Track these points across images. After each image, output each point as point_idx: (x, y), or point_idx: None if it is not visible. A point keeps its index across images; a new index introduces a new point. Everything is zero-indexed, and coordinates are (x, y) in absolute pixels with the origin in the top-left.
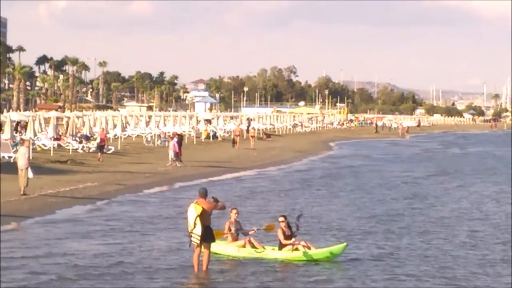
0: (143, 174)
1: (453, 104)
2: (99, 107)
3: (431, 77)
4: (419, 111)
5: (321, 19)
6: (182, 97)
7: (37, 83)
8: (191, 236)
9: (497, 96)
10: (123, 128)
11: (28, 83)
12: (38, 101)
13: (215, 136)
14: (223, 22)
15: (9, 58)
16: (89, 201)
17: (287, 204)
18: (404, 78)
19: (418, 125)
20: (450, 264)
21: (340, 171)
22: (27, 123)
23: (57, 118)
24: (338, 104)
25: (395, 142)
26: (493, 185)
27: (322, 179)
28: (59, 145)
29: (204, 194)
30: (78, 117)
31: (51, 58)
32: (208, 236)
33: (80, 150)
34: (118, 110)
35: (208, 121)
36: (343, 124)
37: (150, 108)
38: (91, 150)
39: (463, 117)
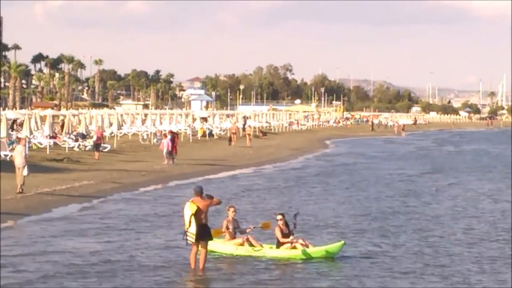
0: (139, 172)
1: (449, 102)
2: (95, 105)
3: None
4: (415, 109)
5: (317, 17)
6: (178, 95)
7: (33, 81)
8: (186, 234)
9: (493, 94)
10: (119, 126)
11: (23, 81)
12: (34, 99)
13: (211, 134)
14: (219, 21)
15: (5, 56)
16: (85, 199)
17: (283, 202)
18: (400, 76)
19: (414, 123)
20: (447, 262)
21: (335, 169)
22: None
23: (53, 117)
24: (334, 102)
25: (390, 140)
26: (487, 183)
27: (317, 177)
28: (55, 143)
29: (199, 192)
30: (74, 115)
31: (47, 56)
32: (204, 235)
33: (76, 149)
34: (114, 108)
35: (204, 119)
36: (339, 122)
37: (146, 106)
38: (87, 149)
39: (459, 115)
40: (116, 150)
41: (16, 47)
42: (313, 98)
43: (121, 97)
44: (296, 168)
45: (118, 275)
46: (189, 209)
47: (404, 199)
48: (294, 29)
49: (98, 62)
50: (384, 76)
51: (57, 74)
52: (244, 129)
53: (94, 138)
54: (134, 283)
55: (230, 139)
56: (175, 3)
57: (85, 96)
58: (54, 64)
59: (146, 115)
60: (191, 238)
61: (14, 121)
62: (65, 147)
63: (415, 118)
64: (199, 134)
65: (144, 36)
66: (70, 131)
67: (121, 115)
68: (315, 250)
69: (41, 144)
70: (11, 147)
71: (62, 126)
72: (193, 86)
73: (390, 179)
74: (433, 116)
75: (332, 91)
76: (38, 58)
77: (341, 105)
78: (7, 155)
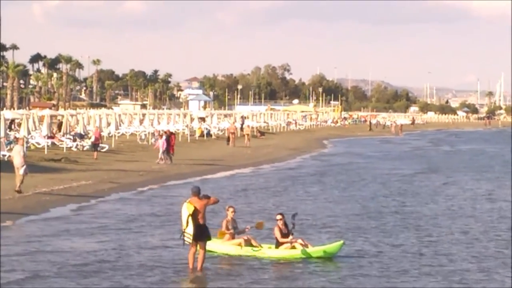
0: (137, 172)
1: (447, 101)
2: (93, 105)
3: (425, 75)
4: (413, 108)
5: (315, 17)
6: (176, 95)
7: (31, 82)
8: (184, 235)
9: (491, 94)
10: (117, 126)
11: (21, 81)
12: (32, 99)
13: (209, 134)
14: (217, 20)
15: (3, 57)
16: (83, 199)
17: (280, 202)
18: (398, 76)
19: (412, 123)
20: (444, 262)
21: (332, 168)
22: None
23: (51, 117)
24: (332, 102)
25: (388, 140)
26: (483, 182)
27: (314, 177)
28: (53, 143)
29: (196, 192)
30: (72, 116)
31: (45, 56)
32: (201, 235)
33: (74, 149)
34: (112, 108)
35: (202, 119)
36: (337, 122)
37: (144, 106)
38: (85, 149)
39: (457, 114)
40: (114, 150)
41: (14, 47)
42: (311, 98)
43: (119, 97)
44: (293, 168)
45: (115, 275)
46: (186, 209)
47: (398, 198)
48: (292, 29)
49: (96, 62)
50: (382, 76)
51: (55, 74)
52: (242, 129)
53: (92, 138)
54: (131, 283)
55: (228, 139)
56: (173, 2)
57: (83, 96)
58: (52, 64)
59: (144, 115)
60: (188, 238)
61: (12, 121)
62: (63, 147)
63: (413, 118)
64: (197, 134)
65: (142, 36)
66: (68, 131)
67: (119, 115)
68: (315, 250)
69: (39, 144)
70: (9, 147)
71: (59, 126)
72: (191, 86)
73: (386, 179)
74: (431, 116)
75: (330, 91)
76: (36, 58)
77: (339, 105)
78: (5, 155)
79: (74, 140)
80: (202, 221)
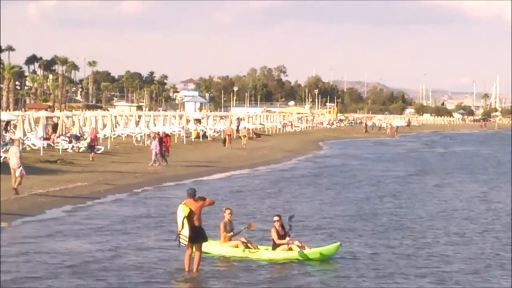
0: (132, 174)
1: (443, 103)
2: (89, 107)
3: (420, 77)
4: (409, 110)
5: (311, 18)
6: (172, 97)
7: (27, 83)
8: (179, 237)
9: (486, 96)
10: (113, 128)
11: (17, 82)
12: (27, 101)
13: (204, 136)
14: (213, 22)
15: None
16: (78, 201)
17: (275, 203)
18: (393, 78)
19: (408, 125)
20: (439, 263)
21: (327, 170)
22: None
23: (47, 118)
24: (328, 103)
25: (383, 142)
26: (473, 184)
27: (309, 178)
28: (48, 145)
29: (192, 194)
30: (67, 117)
31: (41, 58)
32: (197, 237)
33: (70, 150)
34: (108, 110)
35: (198, 121)
36: (332, 123)
37: (140, 107)
38: (81, 150)
39: (453, 116)
40: (110, 152)
41: (10, 48)
42: (307, 99)
43: (115, 98)
44: (289, 169)
45: (110, 276)
46: (181, 211)
47: (392, 200)
48: (288, 30)
49: (92, 63)
50: (377, 77)
51: (50, 76)
52: (238, 130)
53: (88, 139)
54: (127, 285)
55: (224, 141)
56: (169, 3)
57: (79, 97)
58: (48, 65)
59: (140, 116)
60: (184, 240)
61: (8, 122)
62: (58, 149)
63: (408, 120)
64: (193, 136)
65: (138, 37)
66: (64, 133)
67: (115, 117)
68: (311, 252)
69: (34, 145)
70: (4, 148)
71: (54, 128)
72: (187, 87)
73: (379, 181)
74: (427, 118)
75: (326, 92)
76: (31, 59)
77: (335, 107)
78: (1, 157)
79: (70, 142)
80: (197, 223)
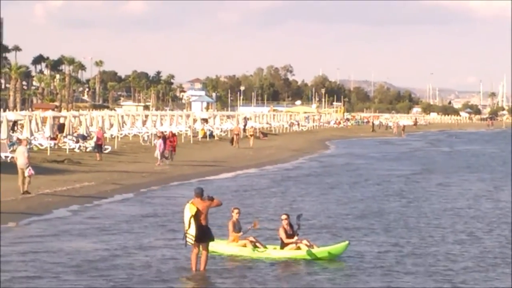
0: (140, 174)
1: (450, 102)
2: (96, 107)
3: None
4: (416, 109)
5: (317, 18)
6: (178, 97)
7: (34, 83)
8: (186, 236)
9: (493, 95)
10: (120, 128)
11: (24, 82)
12: (34, 101)
13: (211, 135)
14: (220, 21)
15: (5, 58)
16: (86, 200)
17: (282, 202)
18: (400, 77)
19: (415, 124)
20: (447, 261)
21: (334, 169)
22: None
23: (54, 118)
24: (334, 103)
25: (390, 141)
26: (477, 182)
27: (316, 178)
28: (55, 145)
29: (200, 193)
30: (74, 117)
31: (48, 58)
32: (204, 236)
33: (76, 150)
34: (115, 110)
35: (205, 120)
36: (339, 123)
37: (146, 107)
38: (88, 150)
39: (460, 115)
40: (117, 152)
41: (17, 48)
42: (313, 99)
43: (122, 98)
44: (296, 169)
45: (117, 274)
46: (188, 210)
47: (398, 198)
48: (294, 29)
49: (99, 63)
50: (384, 77)
51: (57, 76)
52: (245, 130)
53: (94, 139)
54: (134, 284)
55: (232, 140)
56: (175, 3)
57: (85, 97)
58: (55, 65)
59: (146, 116)
60: (191, 239)
61: (15, 122)
62: (65, 149)
63: (415, 119)
64: (200, 135)
65: (145, 36)
66: (71, 133)
67: (122, 117)
68: (320, 251)
69: (41, 145)
70: (11, 148)
71: (59, 128)
72: (193, 87)
73: (385, 179)
74: (434, 117)
75: (333, 92)
76: (38, 59)
77: (342, 106)
78: (8, 157)
79: (77, 142)
80: (204, 222)
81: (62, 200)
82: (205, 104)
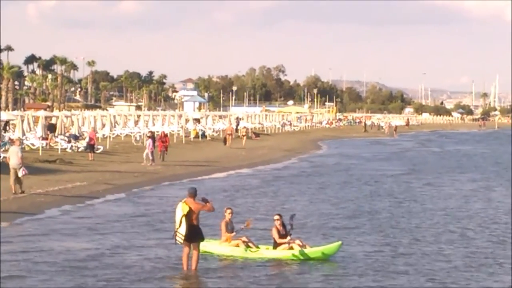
0: (132, 174)
1: (442, 103)
2: (88, 107)
3: (419, 76)
4: (408, 110)
5: (309, 18)
6: (171, 97)
7: (26, 83)
8: (176, 234)
9: (485, 95)
10: (112, 128)
11: (16, 82)
12: (26, 101)
13: (204, 136)
14: (212, 22)
15: None
16: (78, 200)
17: (273, 202)
18: (392, 77)
19: (407, 124)
20: (438, 262)
21: (325, 169)
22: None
23: (46, 118)
24: (326, 103)
25: (381, 141)
26: (469, 182)
27: (308, 178)
28: (47, 144)
29: (193, 194)
30: (66, 117)
31: (40, 58)
32: (194, 236)
33: (68, 150)
34: (107, 110)
35: (197, 120)
36: (332, 123)
37: (139, 107)
38: (79, 150)
39: (452, 116)
40: (109, 152)
41: (9, 48)
42: (305, 99)
43: (114, 98)
44: (288, 169)
45: (108, 274)
46: (181, 209)
47: (388, 198)
48: (287, 30)
49: (91, 63)
50: (376, 77)
51: (49, 76)
52: (237, 130)
53: (87, 139)
54: (125, 283)
55: (225, 140)
56: (168, 3)
57: (77, 97)
58: (47, 65)
59: (138, 116)
60: (180, 238)
61: (7, 122)
62: (57, 149)
63: (407, 119)
64: (192, 136)
65: (137, 37)
66: (63, 133)
67: (114, 117)
68: (313, 251)
69: (33, 145)
70: (3, 148)
71: (50, 128)
72: (185, 87)
73: (372, 179)
74: (426, 117)
75: (325, 92)
76: (30, 59)
77: (334, 106)
78: (0, 157)
79: (69, 142)
80: (195, 222)
81: (54, 200)
82: (197, 104)
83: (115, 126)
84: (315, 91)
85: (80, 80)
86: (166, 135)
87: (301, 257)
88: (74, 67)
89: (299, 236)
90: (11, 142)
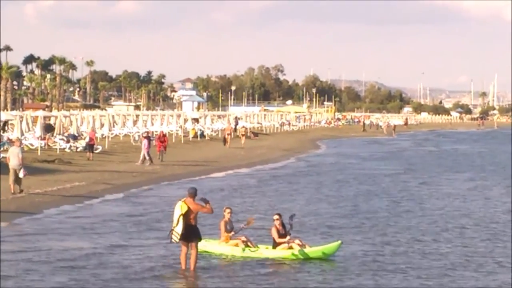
0: (130, 173)
1: (441, 102)
2: (87, 107)
3: (418, 76)
4: (407, 109)
5: (308, 18)
6: (169, 96)
7: (24, 83)
8: (172, 233)
9: (484, 94)
10: (111, 128)
11: (15, 82)
12: (25, 101)
13: (202, 135)
14: (211, 22)
15: None
16: (76, 200)
17: (272, 202)
18: (391, 77)
19: (406, 124)
20: (438, 261)
21: (323, 169)
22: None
23: (44, 118)
24: (325, 102)
25: (380, 141)
26: (466, 181)
27: (307, 177)
28: (46, 144)
29: (193, 194)
30: (65, 117)
31: (38, 58)
32: (191, 236)
33: (67, 150)
34: (106, 110)
35: (196, 120)
36: (330, 122)
37: (137, 107)
38: (78, 150)
39: (451, 115)
40: (108, 151)
41: (7, 48)
42: (304, 98)
43: (113, 98)
44: (286, 168)
45: (107, 273)
46: (179, 208)
47: (385, 197)
48: (286, 29)
49: (90, 63)
50: (375, 76)
51: (48, 75)
52: (235, 129)
53: (87, 139)
54: (123, 282)
55: (224, 140)
56: (167, 3)
57: (76, 97)
58: (46, 65)
59: (137, 116)
60: (176, 237)
61: (6, 122)
62: (56, 148)
63: (406, 118)
64: (191, 135)
65: (136, 36)
66: (62, 132)
67: (113, 116)
68: (312, 250)
69: (32, 145)
70: (2, 148)
71: (47, 129)
72: (184, 87)
73: (369, 178)
74: (425, 116)
75: (324, 91)
76: (29, 59)
77: (333, 106)
78: None
79: (68, 142)
80: (193, 222)
81: (52, 200)
82: (196, 104)
83: (113, 126)
84: (313, 90)
85: (78, 80)
86: (164, 135)
87: (301, 257)
88: (72, 67)
89: (298, 236)
90: (10, 142)
